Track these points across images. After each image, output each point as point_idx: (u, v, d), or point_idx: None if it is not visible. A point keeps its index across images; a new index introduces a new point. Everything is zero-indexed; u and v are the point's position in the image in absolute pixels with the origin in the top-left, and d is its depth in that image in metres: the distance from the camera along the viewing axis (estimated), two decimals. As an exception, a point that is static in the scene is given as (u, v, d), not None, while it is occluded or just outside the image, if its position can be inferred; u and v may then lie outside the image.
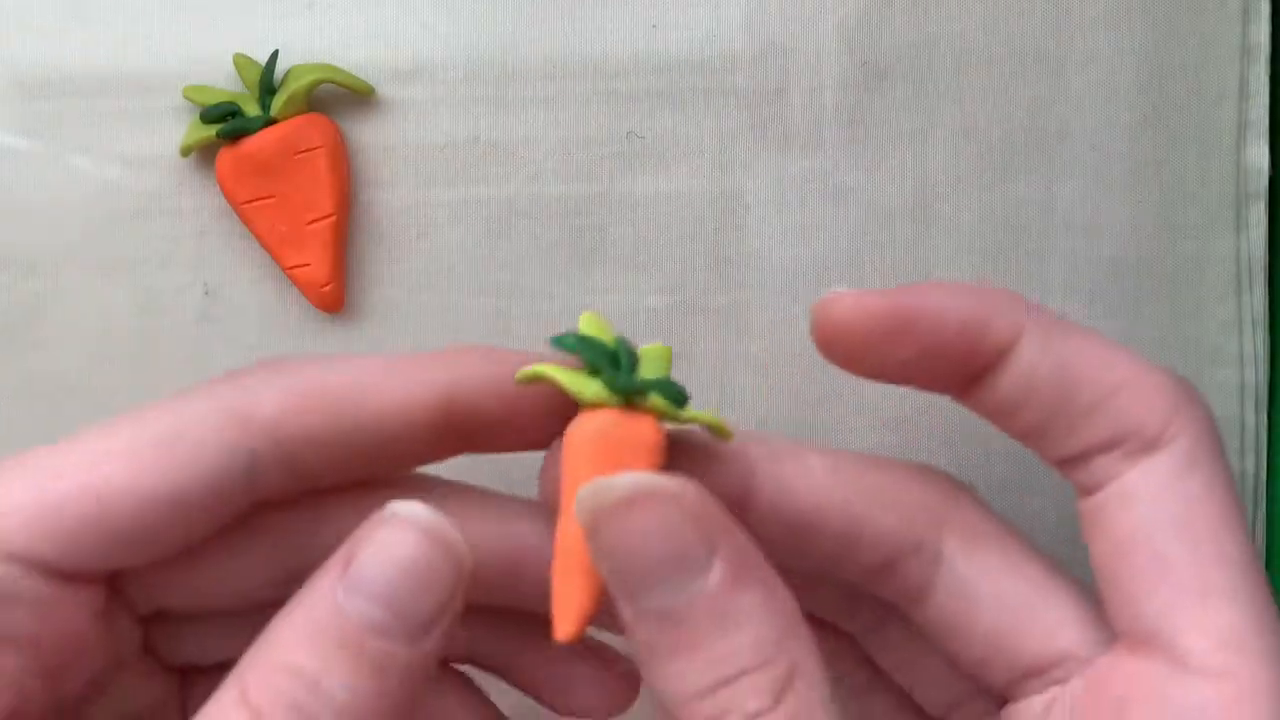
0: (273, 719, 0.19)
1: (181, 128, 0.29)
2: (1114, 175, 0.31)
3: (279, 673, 0.19)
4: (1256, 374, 0.31)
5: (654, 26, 0.30)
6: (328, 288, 0.29)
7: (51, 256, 0.30)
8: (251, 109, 0.29)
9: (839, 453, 0.23)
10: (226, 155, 0.29)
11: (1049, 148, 0.30)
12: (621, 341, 0.22)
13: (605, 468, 0.20)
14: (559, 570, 0.21)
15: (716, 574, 0.19)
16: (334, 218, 0.29)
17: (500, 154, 0.30)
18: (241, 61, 0.29)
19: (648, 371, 0.22)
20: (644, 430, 0.21)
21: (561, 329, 0.30)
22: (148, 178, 0.30)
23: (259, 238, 0.29)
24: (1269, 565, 0.31)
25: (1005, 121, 0.30)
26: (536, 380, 0.22)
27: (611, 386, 0.21)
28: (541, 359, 0.22)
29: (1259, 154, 0.31)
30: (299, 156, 0.29)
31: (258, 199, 0.29)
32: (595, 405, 0.21)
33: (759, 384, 0.30)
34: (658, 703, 0.20)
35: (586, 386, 0.21)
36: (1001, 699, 0.24)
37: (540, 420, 0.23)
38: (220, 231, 0.30)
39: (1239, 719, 0.20)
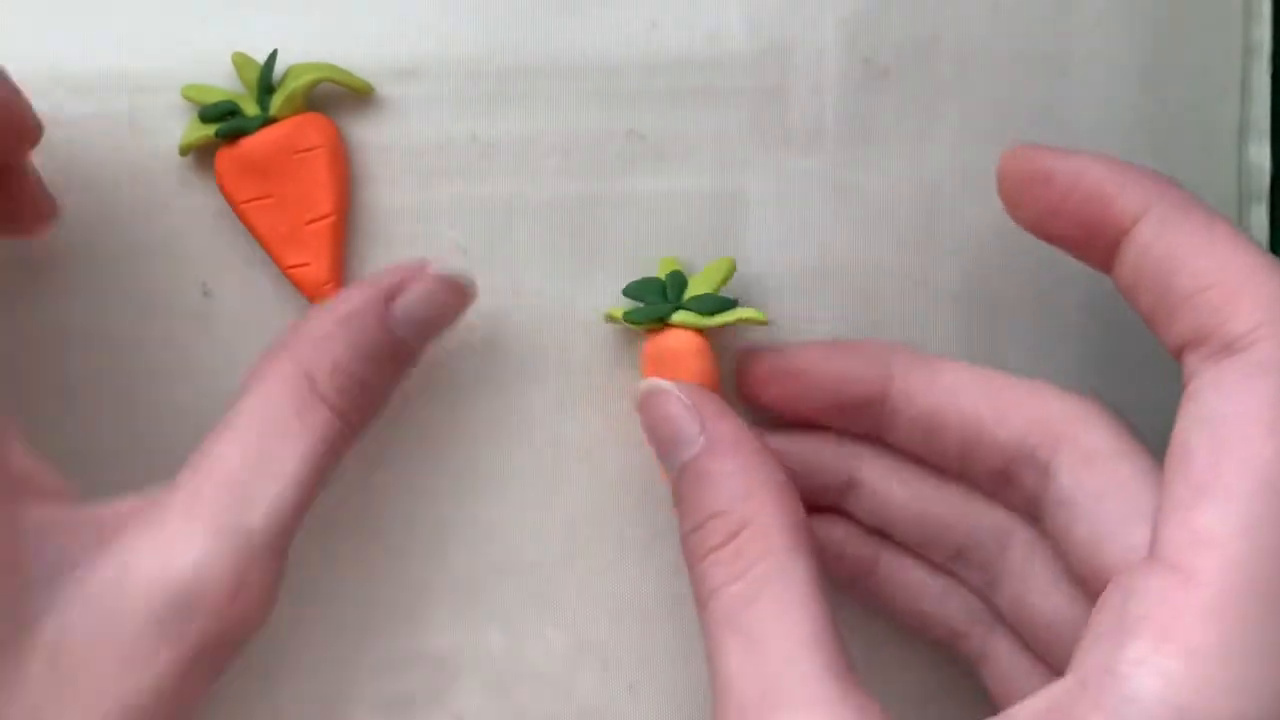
0: (345, 413, 0.26)
1: (181, 127, 0.29)
2: (1115, 175, 0.31)
3: (347, 379, 0.26)
4: (1258, 374, 0.31)
5: (653, 25, 0.30)
6: (327, 287, 0.29)
7: (52, 256, 0.29)
8: (250, 108, 0.29)
9: (973, 367, 0.27)
10: (225, 155, 0.29)
11: (1050, 146, 0.30)
12: (674, 275, 0.29)
13: (663, 372, 0.28)
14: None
15: (698, 446, 0.26)
16: (333, 218, 0.29)
17: (500, 153, 0.30)
18: (240, 60, 0.29)
19: (699, 288, 0.29)
20: (676, 341, 0.28)
21: (561, 328, 0.30)
22: (147, 177, 0.30)
23: (258, 237, 0.29)
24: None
25: (1007, 120, 0.30)
26: (613, 320, 0.29)
27: (630, 319, 0.29)
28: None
29: (1260, 154, 0.31)
30: (298, 156, 0.29)
31: (256, 199, 0.29)
32: (650, 330, 0.29)
33: (759, 384, 0.30)
34: None
35: (638, 319, 0.29)
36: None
37: None
38: (220, 231, 0.30)
39: (1179, 617, 0.20)
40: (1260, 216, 0.31)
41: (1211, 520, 0.20)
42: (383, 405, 0.27)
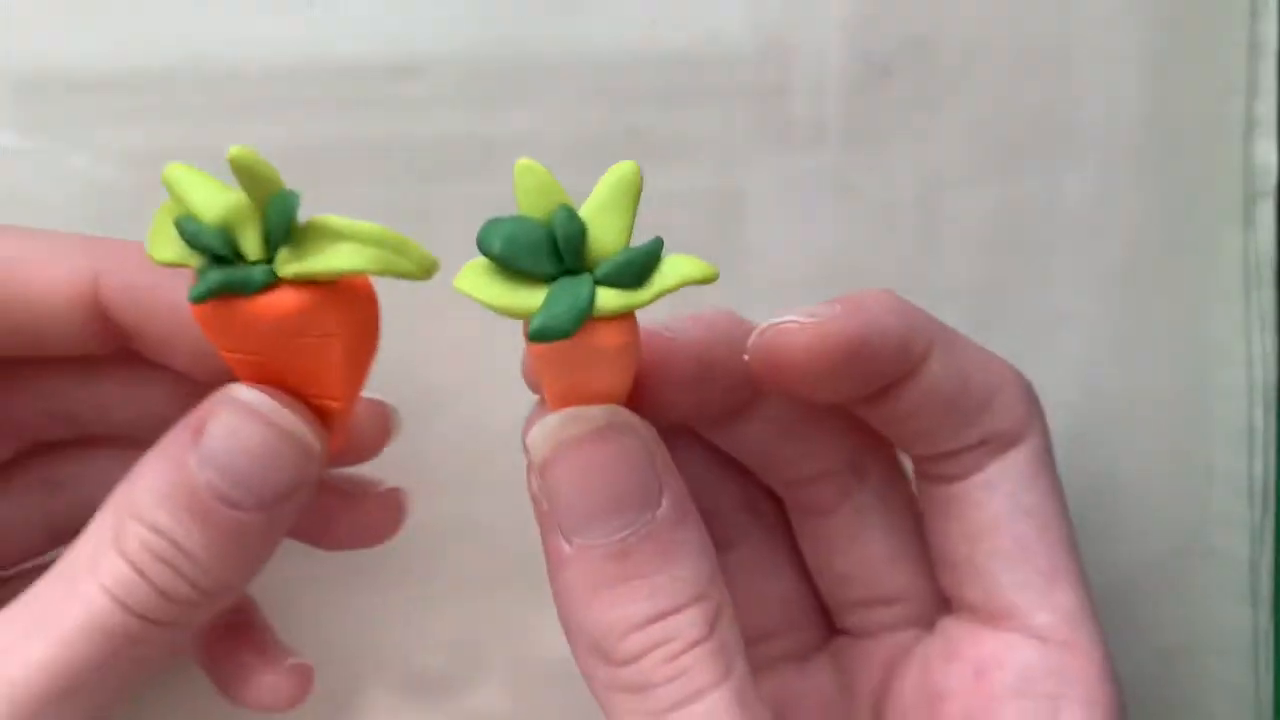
0: (148, 571, 0.21)
1: (181, 125, 0.29)
2: (1120, 172, 0.30)
3: (145, 529, 0.21)
4: (1265, 374, 0.31)
5: (653, 23, 0.30)
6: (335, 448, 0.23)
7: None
8: (252, 240, 0.20)
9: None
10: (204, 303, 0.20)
11: (1054, 145, 0.30)
12: (563, 214, 0.18)
13: (573, 375, 0.20)
14: None
15: (664, 509, 0.21)
16: (341, 404, 0.22)
17: (499, 152, 0.30)
18: (246, 164, 0.19)
19: (603, 239, 0.19)
20: (603, 338, 0.19)
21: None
22: (146, 176, 0.29)
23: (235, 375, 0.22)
24: (1277, 573, 0.31)
25: (1010, 118, 0.30)
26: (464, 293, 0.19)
27: (536, 334, 0.18)
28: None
29: (1267, 151, 0.31)
30: (307, 340, 0.21)
31: (243, 354, 0.21)
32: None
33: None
34: (579, 649, 0.21)
35: (519, 299, 0.18)
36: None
37: (185, 329, 0.23)
38: (219, 231, 0.30)
39: (1086, 679, 0.23)
40: (1267, 213, 0.31)
41: (1069, 600, 0.23)
42: (230, 569, 0.21)
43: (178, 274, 0.20)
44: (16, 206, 0.29)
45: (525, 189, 0.19)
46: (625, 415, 0.21)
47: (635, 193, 0.19)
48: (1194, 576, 0.31)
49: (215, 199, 0.19)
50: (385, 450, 0.30)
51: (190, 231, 0.19)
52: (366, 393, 0.24)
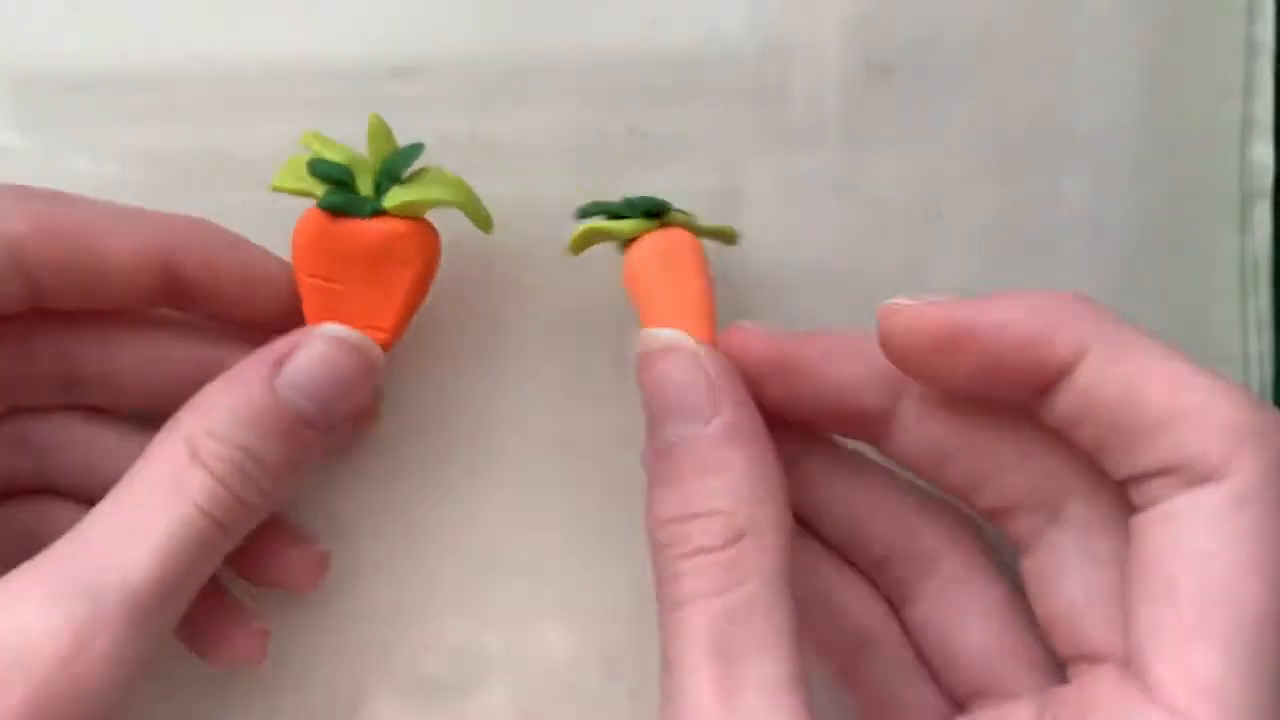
0: (230, 483, 0.24)
1: (181, 126, 0.29)
2: (1118, 173, 0.30)
3: (226, 445, 0.24)
4: (1262, 374, 0.31)
5: (653, 22, 0.30)
6: None
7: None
8: (365, 185, 0.26)
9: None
10: (315, 220, 0.26)
11: (1053, 146, 0.30)
12: (628, 199, 0.27)
13: (669, 275, 0.26)
14: None
15: (714, 427, 0.23)
16: (388, 335, 0.27)
17: (499, 151, 0.30)
18: (377, 127, 0.26)
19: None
20: (684, 237, 0.26)
21: (560, 326, 0.30)
22: (145, 175, 0.30)
23: (304, 311, 0.27)
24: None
25: (1009, 119, 0.30)
26: (587, 238, 0.27)
27: (645, 213, 0.26)
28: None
29: (1264, 152, 0.31)
30: (389, 266, 0.26)
31: (322, 278, 0.26)
32: (637, 234, 0.26)
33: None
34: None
35: (625, 226, 0.26)
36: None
37: (244, 293, 0.26)
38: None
39: None
40: (1264, 215, 0.31)
41: (1209, 666, 0.20)
42: (289, 480, 0.25)
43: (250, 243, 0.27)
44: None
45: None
46: (683, 340, 0.24)
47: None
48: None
49: (343, 150, 0.26)
50: (385, 446, 0.30)
51: (323, 168, 0.26)
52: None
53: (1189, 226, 0.31)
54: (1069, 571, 0.23)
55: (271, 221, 0.30)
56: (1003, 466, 0.24)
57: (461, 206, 0.27)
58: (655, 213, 0.26)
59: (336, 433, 0.26)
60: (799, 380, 0.25)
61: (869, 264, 0.30)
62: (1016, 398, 0.23)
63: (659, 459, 0.24)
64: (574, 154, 0.30)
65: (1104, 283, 0.30)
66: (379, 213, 0.26)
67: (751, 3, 0.30)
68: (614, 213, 0.27)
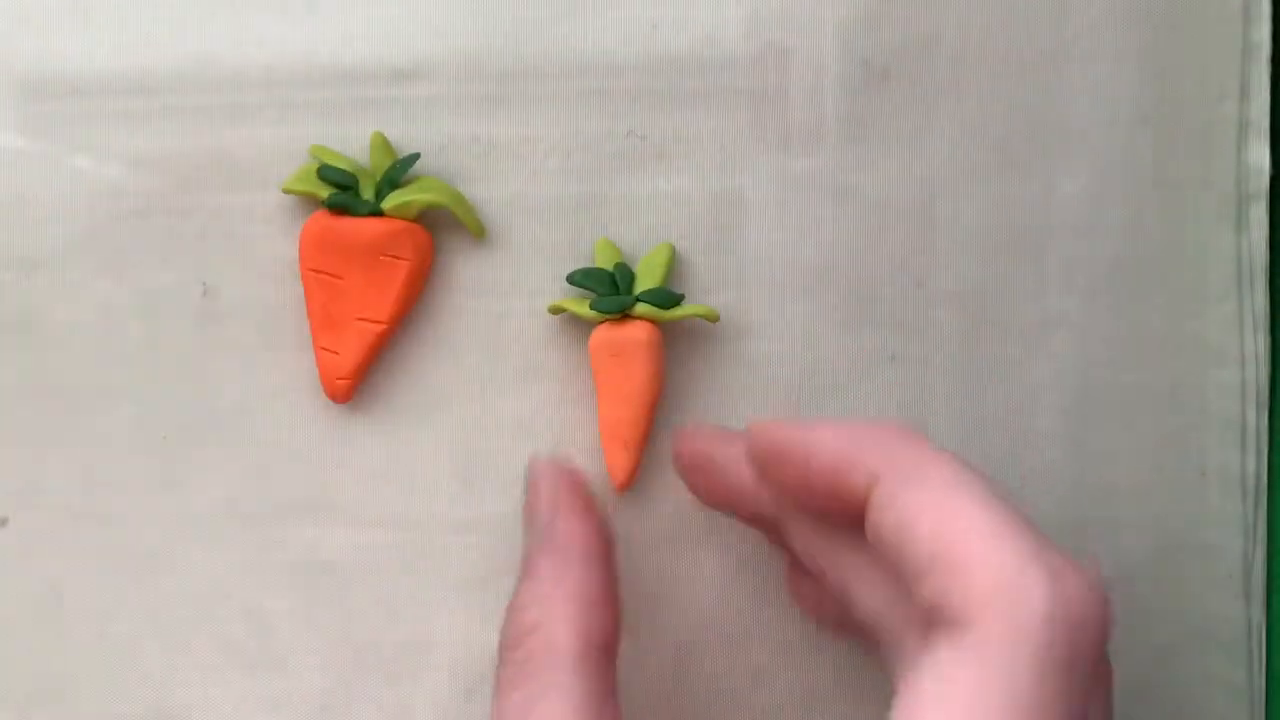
0: None
1: (182, 126, 0.29)
2: (1114, 175, 0.31)
3: None
4: (1258, 373, 0.31)
5: (654, 26, 0.30)
6: (344, 383, 0.30)
7: (52, 256, 0.30)
8: (367, 191, 0.29)
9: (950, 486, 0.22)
10: (320, 220, 0.29)
11: (1049, 147, 0.30)
12: (620, 267, 0.29)
13: (614, 363, 0.29)
14: (605, 442, 0.30)
15: (535, 536, 0.27)
16: (385, 327, 0.29)
17: (500, 153, 0.30)
18: (379, 142, 0.29)
19: (646, 281, 0.29)
20: (636, 333, 0.29)
21: (561, 328, 0.30)
22: (148, 178, 0.30)
23: (308, 305, 0.29)
24: (1271, 569, 0.31)
25: (1005, 121, 0.30)
26: (560, 310, 0.29)
27: (598, 308, 0.29)
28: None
29: (1260, 154, 0.31)
30: (384, 259, 0.29)
31: (326, 273, 0.29)
32: (599, 321, 0.29)
33: (756, 382, 0.30)
34: None
35: (588, 314, 0.29)
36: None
37: None
38: (220, 232, 0.30)
39: None
40: (1260, 216, 0.31)
41: None
42: None
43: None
44: (22, 207, 0.29)
45: (601, 252, 0.30)
46: (541, 461, 0.28)
47: (669, 259, 0.30)
48: (1188, 573, 0.31)
49: (347, 161, 0.29)
50: (386, 445, 0.30)
51: (329, 172, 0.29)
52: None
53: (1185, 227, 0.31)
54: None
55: (272, 223, 0.30)
56: (858, 581, 0.24)
57: (454, 210, 0.29)
58: (628, 300, 0.29)
59: None
60: (786, 468, 0.25)
61: (867, 264, 0.30)
62: (848, 520, 0.23)
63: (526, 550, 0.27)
64: (574, 155, 0.30)
65: (1099, 283, 0.31)
66: (377, 214, 0.29)
67: (750, 6, 0.30)
68: (599, 285, 0.29)
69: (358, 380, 0.30)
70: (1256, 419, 0.31)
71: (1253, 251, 0.31)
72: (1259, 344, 0.31)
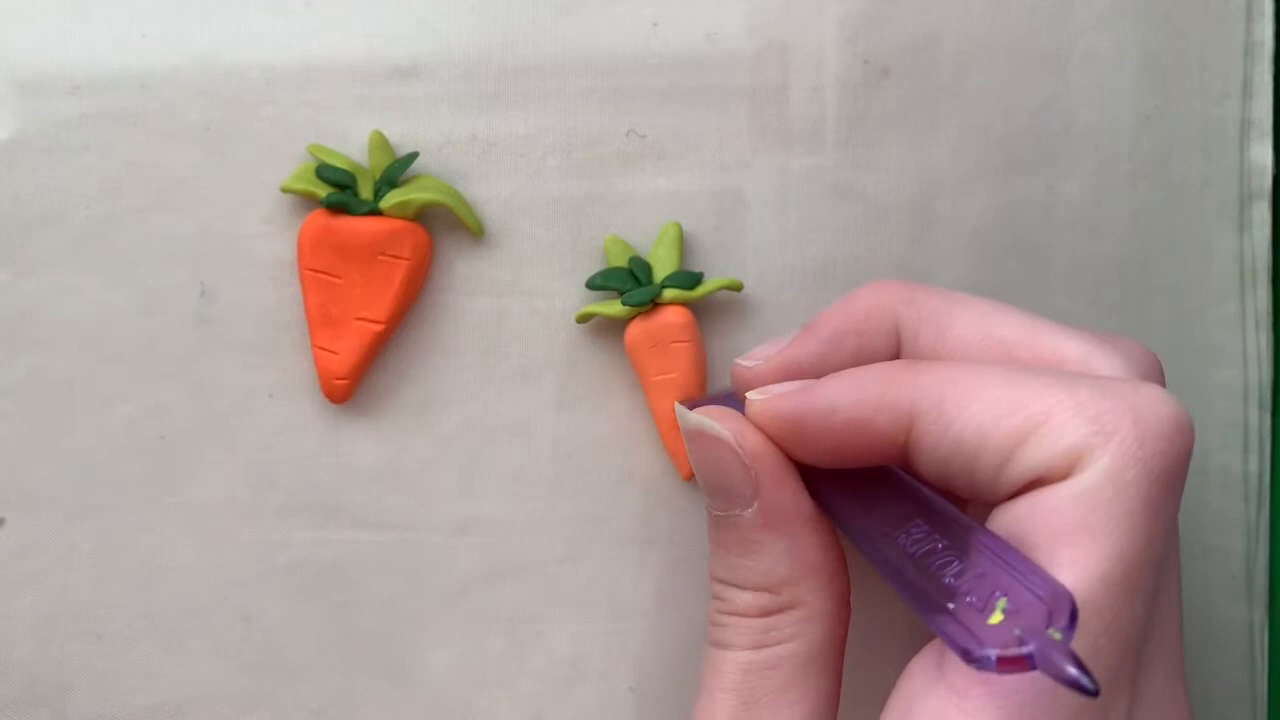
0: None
1: (183, 125, 0.29)
2: (1116, 174, 0.30)
3: None
4: (1260, 373, 0.31)
5: (655, 24, 0.30)
6: (341, 382, 0.29)
7: (51, 256, 0.30)
8: (366, 190, 0.29)
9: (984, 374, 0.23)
10: (319, 219, 0.29)
11: (1051, 146, 0.30)
12: (635, 260, 0.29)
13: (655, 353, 0.29)
14: (664, 434, 0.30)
15: (753, 512, 0.25)
16: (382, 327, 0.29)
17: (500, 152, 0.30)
18: (377, 142, 0.29)
19: (663, 267, 0.29)
20: (672, 318, 0.29)
21: (560, 328, 0.30)
22: (148, 176, 0.30)
23: (306, 304, 0.29)
24: (1273, 570, 0.31)
25: (1007, 120, 0.30)
26: (589, 317, 0.30)
27: (629, 302, 0.29)
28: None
29: (1262, 153, 0.31)
30: (383, 258, 0.29)
31: (324, 272, 0.29)
32: (631, 316, 0.29)
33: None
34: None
35: (617, 313, 0.29)
36: None
37: None
38: (219, 232, 0.30)
39: None
40: (1262, 215, 0.31)
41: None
42: None
43: None
44: (20, 206, 0.29)
45: (611, 249, 0.30)
46: (714, 427, 0.25)
47: (678, 238, 0.30)
48: (1190, 574, 0.31)
49: (346, 160, 0.29)
50: (385, 445, 0.30)
51: (328, 172, 0.29)
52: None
53: (1187, 227, 0.31)
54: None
55: (271, 223, 0.30)
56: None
57: (452, 209, 0.29)
58: (655, 289, 0.29)
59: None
60: (812, 441, 0.24)
61: (867, 264, 0.30)
62: (883, 462, 0.24)
63: (713, 525, 0.26)
64: (574, 154, 0.30)
65: (1101, 283, 0.31)
66: (376, 213, 0.29)
67: (751, 5, 0.30)
68: (620, 283, 0.29)
69: (356, 380, 0.29)
70: (1259, 419, 0.31)
71: (1255, 251, 0.31)
72: (1261, 344, 0.31)
